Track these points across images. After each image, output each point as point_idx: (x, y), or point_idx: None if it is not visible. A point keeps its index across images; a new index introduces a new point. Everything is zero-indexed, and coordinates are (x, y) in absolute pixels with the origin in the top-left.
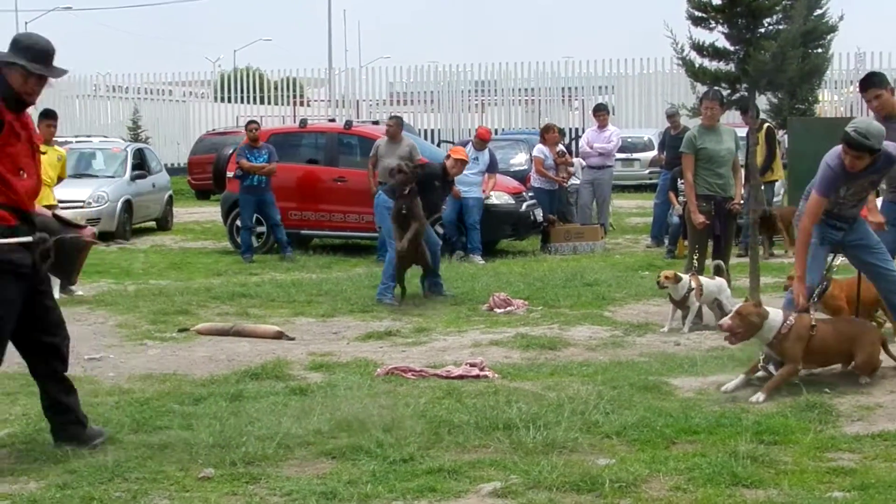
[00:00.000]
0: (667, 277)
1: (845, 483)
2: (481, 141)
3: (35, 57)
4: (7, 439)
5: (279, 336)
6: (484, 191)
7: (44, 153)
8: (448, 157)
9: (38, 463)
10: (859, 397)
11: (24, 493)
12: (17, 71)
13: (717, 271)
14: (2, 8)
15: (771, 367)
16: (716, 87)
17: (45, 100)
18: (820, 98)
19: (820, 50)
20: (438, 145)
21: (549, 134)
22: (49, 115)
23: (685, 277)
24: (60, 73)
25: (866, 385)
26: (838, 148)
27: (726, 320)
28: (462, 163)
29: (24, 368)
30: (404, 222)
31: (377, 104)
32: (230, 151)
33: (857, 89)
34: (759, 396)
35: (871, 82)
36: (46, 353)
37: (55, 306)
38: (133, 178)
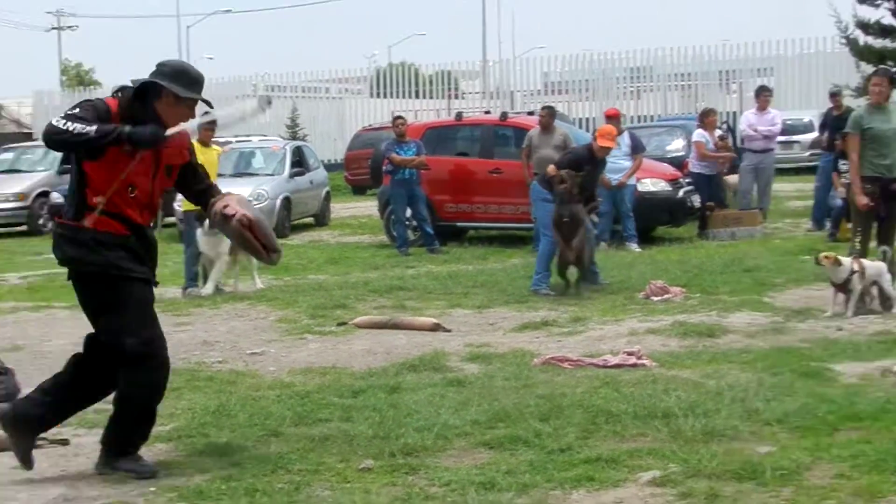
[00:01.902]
0: (826, 258)
1: None
2: (611, 119)
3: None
4: (173, 433)
5: (436, 328)
6: (630, 174)
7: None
8: (595, 138)
9: (203, 456)
10: None
11: (191, 485)
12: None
13: (884, 256)
14: (164, 13)
15: None
16: (883, 66)
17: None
18: None
19: None
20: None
21: (708, 118)
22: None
23: (846, 261)
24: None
25: None
26: None
27: None
28: (607, 149)
29: (188, 364)
30: (567, 228)
31: (532, 94)
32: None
33: None
34: None
35: None
36: None
37: None
38: (291, 176)
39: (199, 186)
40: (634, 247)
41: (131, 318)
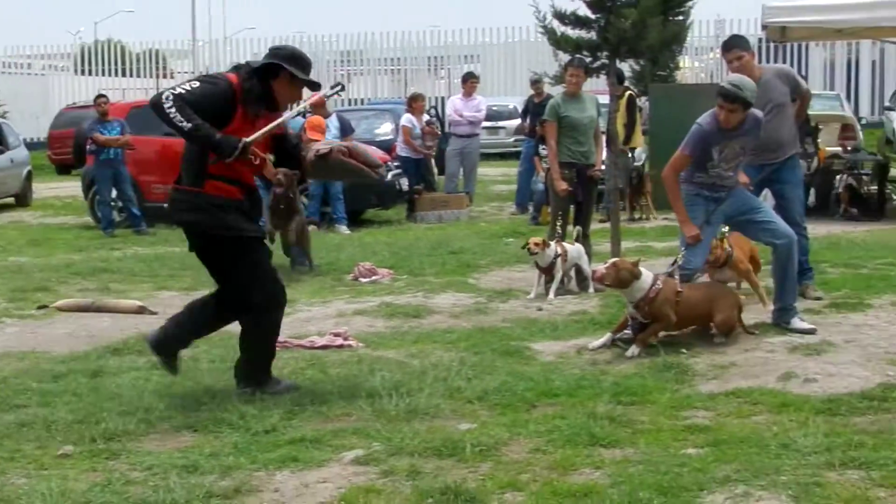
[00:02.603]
0: (536, 244)
1: (699, 440)
2: (315, 108)
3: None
4: None
5: (141, 311)
6: None
7: None
8: (304, 129)
9: None
10: (714, 356)
11: None
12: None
13: (579, 238)
14: None
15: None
16: (579, 55)
17: None
18: (681, 65)
19: (680, 17)
20: (304, 116)
21: (416, 103)
22: None
23: (552, 245)
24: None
25: (721, 345)
26: (712, 110)
27: (601, 269)
28: (315, 141)
29: None
30: (283, 214)
31: None
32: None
33: (718, 55)
34: (634, 350)
35: (734, 44)
36: None
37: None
38: None
39: (289, 146)
40: (343, 229)
41: (253, 276)
